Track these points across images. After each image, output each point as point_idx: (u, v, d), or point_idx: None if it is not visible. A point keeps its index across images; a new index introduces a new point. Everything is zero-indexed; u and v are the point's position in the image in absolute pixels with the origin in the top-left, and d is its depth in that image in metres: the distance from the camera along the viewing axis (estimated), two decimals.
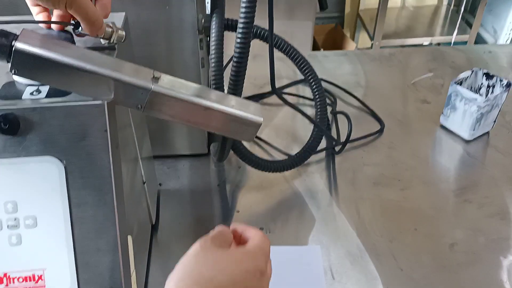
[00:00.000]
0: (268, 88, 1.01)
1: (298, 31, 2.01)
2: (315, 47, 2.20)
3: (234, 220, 0.73)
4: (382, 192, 0.78)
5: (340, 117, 0.91)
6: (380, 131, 0.89)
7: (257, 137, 0.88)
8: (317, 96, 0.77)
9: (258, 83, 1.02)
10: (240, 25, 0.56)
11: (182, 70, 0.73)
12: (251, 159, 0.71)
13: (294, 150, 0.86)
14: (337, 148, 0.84)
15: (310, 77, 0.76)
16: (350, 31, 2.55)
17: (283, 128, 0.91)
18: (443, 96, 0.98)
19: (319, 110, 0.77)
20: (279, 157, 0.84)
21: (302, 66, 0.76)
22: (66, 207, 0.40)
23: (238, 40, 0.57)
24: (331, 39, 2.42)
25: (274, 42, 0.73)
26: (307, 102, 0.98)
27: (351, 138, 0.81)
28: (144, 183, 0.65)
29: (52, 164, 0.39)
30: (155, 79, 0.44)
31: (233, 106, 0.49)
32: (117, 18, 0.56)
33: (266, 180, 0.80)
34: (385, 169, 0.82)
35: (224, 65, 0.65)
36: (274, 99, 0.99)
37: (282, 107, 0.96)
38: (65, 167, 0.39)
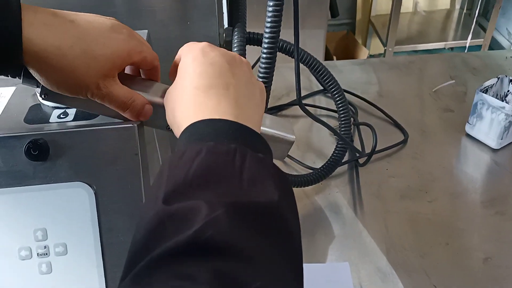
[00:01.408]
0: (286, 100, 1.00)
1: (310, 39, 2.00)
2: (327, 55, 2.19)
3: None
4: (409, 205, 0.75)
5: (362, 127, 0.89)
6: (404, 142, 0.87)
7: None
8: (340, 108, 0.75)
9: (276, 94, 1.01)
10: (266, 40, 0.55)
11: None
12: None
13: (316, 162, 0.84)
14: (361, 160, 0.82)
15: (333, 89, 0.75)
16: (362, 38, 2.54)
17: (303, 140, 0.89)
18: (466, 104, 0.96)
19: (343, 122, 0.75)
20: (301, 170, 0.82)
21: (324, 77, 0.74)
22: (96, 233, 0.39)
23: (264, 55, 0.56)
24: (342, 46, 2.40)
25: (292, 50, 0.72)
26: (324, 112, 0.96)
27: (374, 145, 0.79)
28: None
29: (82, 190, 0.38)
30: None
31: (265, 124, 0.47)
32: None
33: None
34: (411, 180, 0.80)
35: None
36: (292, 110, 0.98)
37: (301, 118, 0.95)
38: (95, 193, 0.38)
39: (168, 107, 0.39)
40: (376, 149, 0.80)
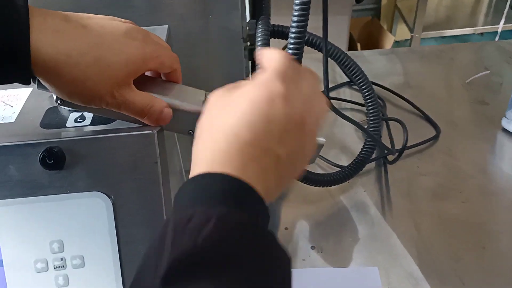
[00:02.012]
0: None
1: (334, 26, 1.92)
2: (351, 42, 2.12)
3: (283, 238, 0.69)
4: (442, 205, 0.72)
5: (391, 122, 0.85)
6: (436, 137, 0.83)
7: None
8: (369, 103, 0.72)
9: None
10: (292, 35, 0.52)
11: (227, 80, 0.69)
12: None
13: (341, 159, 0.81)
14: (390, 157, 0.78)
15: (362, 83, 0.71)
16: (387, 23, 2.46)
17: (327, 136, 0.86)
18: (502, 96, 0.90)
19: (371, 117, 0.71)
20: (327, 168, 0.79)
21: (352, 70, 0.71)
22: (114, 245, 0.37)
23: (290, 51, 0.53)
24: (367, 32, 2.33)
25: (319, 44, 0.68)
26: (349, 105, 0.93)
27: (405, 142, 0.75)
28: None
29: (99, 200, 0.36)
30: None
31: None
32: (160, 31, 0.53)
33: (310, 193, 0.75)
34: (443, 179, 0.76)
35: None
36: None
37: None
38: (113, 203, 0.36)
39: (200, 118, 0.33)
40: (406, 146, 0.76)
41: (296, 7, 0.52)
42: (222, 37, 0.64)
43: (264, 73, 0.33)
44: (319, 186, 0.69)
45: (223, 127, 0.30)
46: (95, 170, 0.35)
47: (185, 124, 0.40)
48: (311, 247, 0.67)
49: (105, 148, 0.35)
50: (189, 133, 0.40)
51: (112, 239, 0.36)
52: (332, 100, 0.94)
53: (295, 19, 0.51)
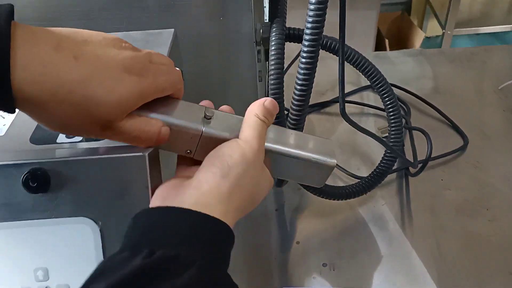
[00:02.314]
0: (331, 95, 0.92)
1: (361, 21, 1.87)
2: (379, 37, 2.05)
3: (294, 253, 0.66)
4: (467, 223, 0.67)
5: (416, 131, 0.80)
6: (463, 148, 0.78)
7: None
8: (390, 111, 0.67)
9: (319, 89, 0.93)
10: (305, 43, 0.48)
11: (238, 85, 0.66)
12: (313, 187, 0.63)
13: (361, 169, 0.77)
14: (411, 169, 0.73)
15: (381, 88, 0.66)
16: (417, 19, 2.36)
17: (347, 143, 0.82)
18: None
19: (393, 127, 0.67)
20: (346, 178, 0.75)
21: (373, 77, 0.66)
22: None
23: (303, 61, 0.49)
24: (396, 28, 2.25)
25: (334, 47, 0.64)
26: (372, 111, 0.88)
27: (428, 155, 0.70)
28: None
29: (86, 226, 0.33)
30: (207, 119, 0.37)
31: (302, 146, 0.41)
32: (166, 35, 0.50)
33: (327, 205, 0.71)
34: (469, 194, 0.71)
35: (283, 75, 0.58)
36: (336, 108, 0.89)
37: None
38: (100, 230, 0.34)
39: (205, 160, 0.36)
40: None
41: (311, 7, 0.48)
42: (234, 39, 0.61)
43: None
44: (335, 200, 0.65)
45: (213, 170, 0.35)
46: (81, 193, 0.33)
47: (183, 143, 0.37)
48: (323, 264, 0.63)
49: (93, 170, 0.33)
50: (187, 152, 0.37)
51: None
52: (353, 105, 0.89)
53: (309, 25, 0.47)
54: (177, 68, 0.38)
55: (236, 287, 0.31)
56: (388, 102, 0.66)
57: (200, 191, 0.32)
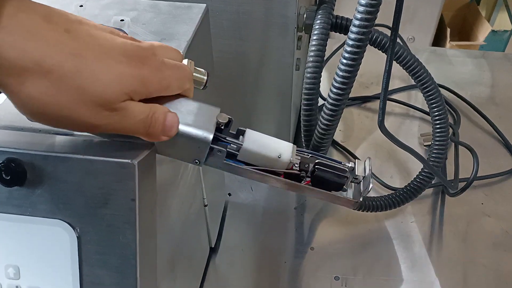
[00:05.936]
0: (375, 90, 0.85)
1: (424, 6, 1.73)
2: (440, 24, 1.90)
3: (306, 260, 0.61)
4: (503, 259, 0.60)
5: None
6: None
7: (351, 154, 0.73)
8: (436, 122, 0.59)
9: (364, 81, 0.86)
10: (353, 29, 0.42)
11: (274, 71, 0.60)
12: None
13: (394, 178, 0.70)
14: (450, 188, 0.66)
15: (431, 98, 0.59)
16: (486, 10, 2.18)
17: (384, 146, 0.75)
18: None
19: (436, 139, 0.59)
20: (375, 185, 0.69)
21: (421, 81, 0.58)
22: (76, 284, 0.31)
23: (347, 55, 0.43)
24: (461, 17, 2.08)
25: (384, 44, 0.56)
26: (418, 114, 0.80)
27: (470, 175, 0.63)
28: (205, 206, 0.55)
29: (62, 231, 0.30)
30: (219, 126, 0.32)
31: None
32: (196, 10, 0.45)
33: (351, 212, 0.65)
34: (510, 225, 0.63)
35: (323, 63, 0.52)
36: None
37: (388, 116, 0.79)
38: (78, 237, 0.30)
39: None
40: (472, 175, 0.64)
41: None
42: (275, 23, 0.55)
43: None
44: (360, 211, 0.59)
45: None
46: (60, 194, 0.29)
47: (191, 151, 0.32)
48: (335, 277, 0.58)
49: (75, 170, 0.29)
50: (195, 162, 0.32)
51: (74, 277, 0.30)
52: (399, 104, 0.81)
53: (359, 16, 0.41)
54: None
55: None
56: (436, 113, 0.58)
57: None
